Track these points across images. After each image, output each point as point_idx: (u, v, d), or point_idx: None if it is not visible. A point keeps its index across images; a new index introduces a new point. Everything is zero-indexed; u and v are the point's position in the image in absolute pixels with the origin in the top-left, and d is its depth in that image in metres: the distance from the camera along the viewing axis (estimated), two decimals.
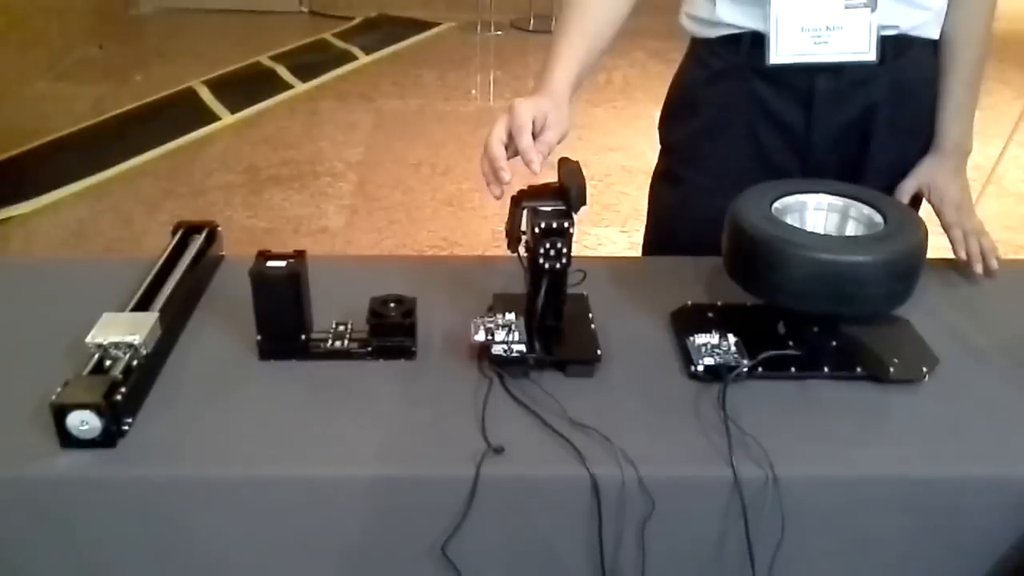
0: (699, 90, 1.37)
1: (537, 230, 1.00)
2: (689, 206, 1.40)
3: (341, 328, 1.08)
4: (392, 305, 1.06)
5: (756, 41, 1.27)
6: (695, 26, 1.35)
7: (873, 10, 1.21)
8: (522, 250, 1.06)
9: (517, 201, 1.04)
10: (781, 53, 1.24)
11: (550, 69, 1.19)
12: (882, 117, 1.30)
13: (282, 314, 1.03)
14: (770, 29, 1.24)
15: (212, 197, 3.56)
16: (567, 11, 1.25)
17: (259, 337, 1.04)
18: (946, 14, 1.29)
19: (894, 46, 1.26)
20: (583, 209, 1.02)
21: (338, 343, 1.05)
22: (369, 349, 1.05)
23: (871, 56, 1.24)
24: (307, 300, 1.05)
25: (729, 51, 1.31)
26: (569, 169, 1.05)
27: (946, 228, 1.32)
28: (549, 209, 1.02)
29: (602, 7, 1.26)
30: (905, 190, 1.34)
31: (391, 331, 1.05)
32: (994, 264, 1.27)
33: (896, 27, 1.25)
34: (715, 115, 1.36)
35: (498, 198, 1.05)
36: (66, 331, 1.04)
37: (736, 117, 1.34)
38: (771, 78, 1.28)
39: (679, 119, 1.42)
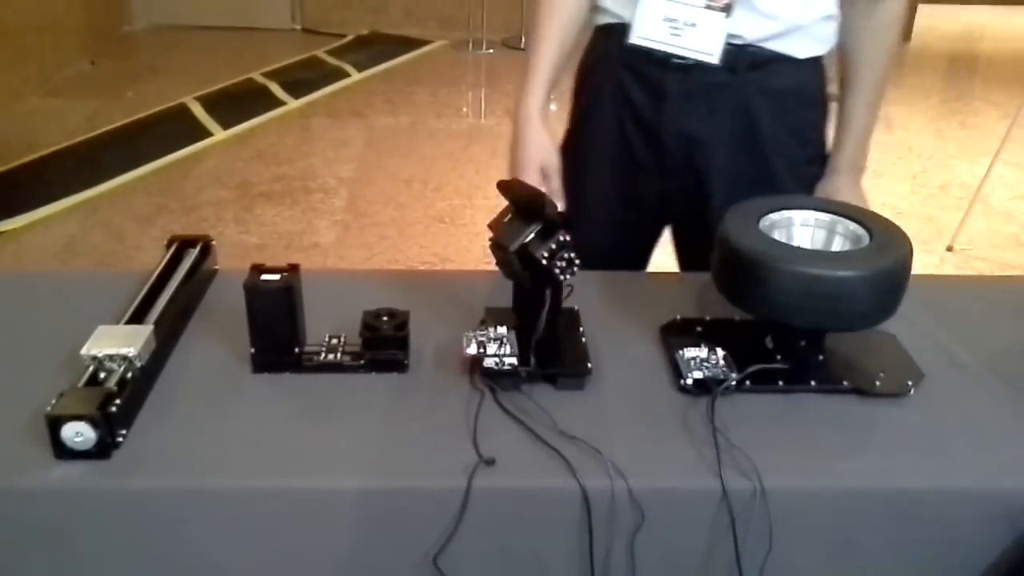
0: (581, 76, 1.45)
1: (553, 246, 1.01)
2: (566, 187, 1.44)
3: (334, 341, 1.08)
4: (385, 318, 1.07)
5: (628, 32, 1.33)
6: (591, 14, 1.41)
7: (728, 16, 1.27)
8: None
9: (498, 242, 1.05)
10: (639, 35, 1.31)
11: (530, 95, 1.32)
12: (731, 129, 1.34)
13: (276, 327, 1.04)
14: (635, 13, 1.31)
15: (204, 212, 3.56)
16: (537, 21, 1.35)
17: (252, 350, 1.05)
18: (849, 35, 1.34)
19: (748, 59, 1.30)
20: None
21: (331, 356, 1.06)
22: (362, 362, 1.06)
23: (715, 59, 1.28)
24: (300, 313, 1.06)
25: (606, 40, 1.37)
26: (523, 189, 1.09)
27: None
28: (542, 225, 1.03)
29: (568, 9, 1.35)
30: None
31: (384, 344, 1.06)
32: None
33: (741, 37, 1.29)
34: (590, 102, 1.43)
35: None
36: (61, 343, 1.05)
37: (606, 106, 1.40)
38: (631, 68, 1.35)
39: (572, 103, 1.51)
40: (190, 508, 0.90)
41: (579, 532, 0.91)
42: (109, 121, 4.45)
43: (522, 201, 1.06)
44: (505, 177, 1.19)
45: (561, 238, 1.01)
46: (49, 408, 0.89)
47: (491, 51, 6.07)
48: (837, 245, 1.07)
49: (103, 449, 0.90)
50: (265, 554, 0.92)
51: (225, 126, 4.38)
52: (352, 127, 4.56)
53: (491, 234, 1.06)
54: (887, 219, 1.06)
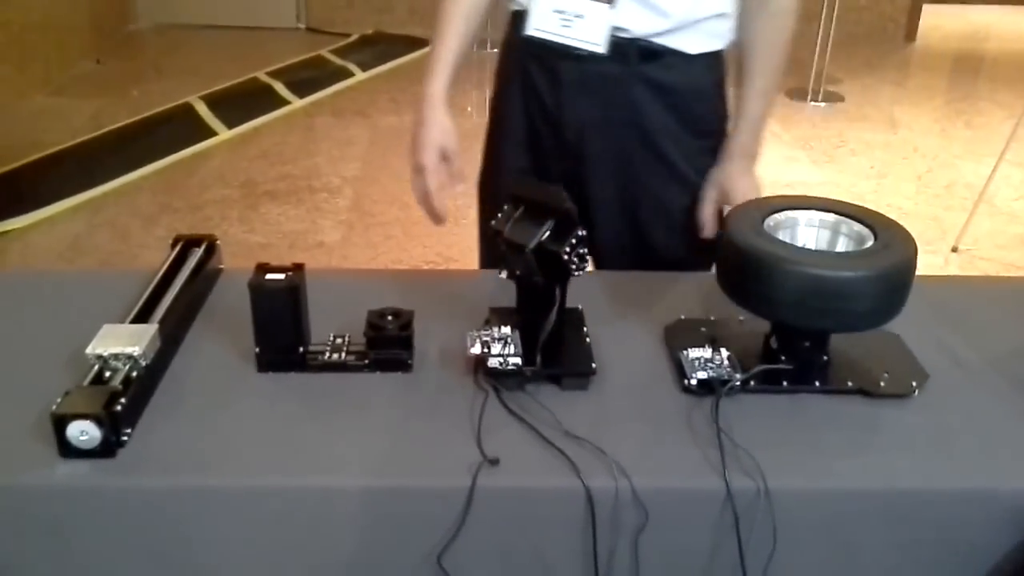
0: (499, 60, 1.51)
1: (574, 241, 1.01)
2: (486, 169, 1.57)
3: (339, 341, 1.09)
4: (389, 318, 1.07)
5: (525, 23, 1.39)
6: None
7: (612, 7, 1.31)
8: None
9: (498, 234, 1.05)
10: (534, 27, 1.37)
11: (433, 80, 1.38)
12: (623, 118, 1.38)
13: (280, 326, 1.04)
14: (530, 5, 1.37)
15: (209, 212, 3.57)
16: (443, 6, 1.39)
17: (257, 349, 1.05)
18: (744, 24, 1.37)
19: (639, 52, 1.33)
20: None
21: (336, 355, 1.06)
22: (366, 362, 1.06)
23: (601, 49, 1.32)
24: (305, 313, 1.06)
25: (514, 26, 1.42)
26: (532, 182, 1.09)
27: None
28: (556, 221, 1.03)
29: (469, 8, 1.40)
30: (707, 198, 1.40)
31: (388, 344, 1.06)
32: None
33: (629, 31, 1.32)
34: (503, 86, 1.49)
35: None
36: (66, 342, 1.05)
37: (515, 91, 1.46)
38: (534, 55, 1.40)
39: (493, 85, 1.56)
40: (195, 507, 0.90)
41: (583, 532, 0.91)
42: (114, 120, 4.45)
43: (535, 199, 1.05)
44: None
45: (580, 233, 1.01)
46: (54, 407, 0.90)
47: (495, 51, 6.06)
48: (842, 245, 1.07)
49: (108, 448, 0.90)
50: (269, 552, 0.92)
51: (230, 125, 4.39)
52: (356, 126, 4.56)
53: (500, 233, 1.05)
54: (891, 219, 1.06)
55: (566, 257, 1.00)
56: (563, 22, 1.34)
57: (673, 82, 1.36)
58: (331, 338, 1.09)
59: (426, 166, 1.34)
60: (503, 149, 1.51)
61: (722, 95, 1.44)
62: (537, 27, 1.37)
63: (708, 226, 1.40)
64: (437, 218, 1.37)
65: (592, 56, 1.33)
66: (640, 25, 1.31)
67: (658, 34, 1.32)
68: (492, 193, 1.55)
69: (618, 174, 1.41)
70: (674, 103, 1.37)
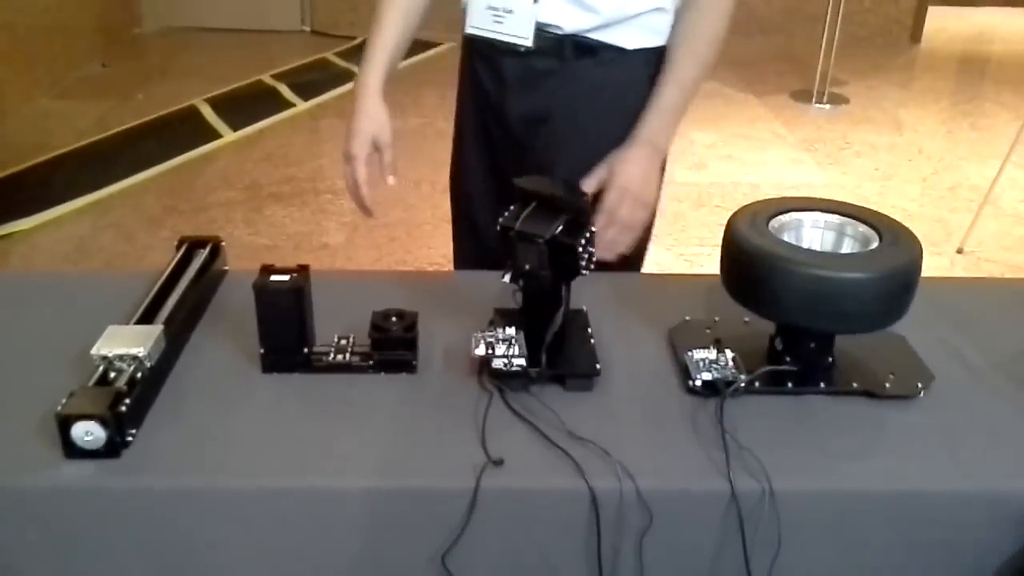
0: (460, 60, 1.52)
1: (588, 234, 1.02)
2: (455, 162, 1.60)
3: (343, 342, 1.09)
4: (394, 319, 1.07)
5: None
6: None
7: (536, 2, 1.32)
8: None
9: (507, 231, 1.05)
10: (471, 24, 1.40)
11: (368, 70, 1.39)
12: (565, 112, 1.39)
13: (285, 327, 1.04)
14: (469, 4, 1.40)
15: (213, 214, 3.57)
16: (379, 13, 1.42)
17: (262, 350, 1.05)
18: (677, 18, 1.36)
19: (574, 47, 1.35)
20: None
21: (340, 356, 1.06)
22: (371, 363, 1.06)
23: (528, 42, 1.34)
24: (310, 314, 1.06)
25: (465, 24, 1.42)
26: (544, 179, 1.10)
27: (601, 211, 1.29)
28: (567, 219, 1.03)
29: (407, 4, 1.42)
30: (593, 175, 1.32)
31: (393, 345, 1.06)
32: (609, 256, 1.29)
33: (560, 27, 1.33)
34: (460, 81, 1.53)
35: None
36: (71, 343, 1.06)
37: (467, 87, 1.50)
38: (479, 52, 1.43)
39: None
40: (200, 508, 0.90)
41: (587, 533, 0.91)
42: (119, 123, 4.46)
43: (545, 195, 1.05)
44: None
45: (592, 229, 1.02)
46: (59, 408, 0.90)
47: None
48: (847, 247, 1.07)
49: (113, 448, 0.91)
50: (273, 554, 0.92)
51: (235, 128, 4.40)
52: None
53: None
54: (897, 221, 1.06)
55: (580, 250, 1.00)
56: (495, 18, 1.36)
57: (610, 78, 1.36)
58: (335, 339, 1.09)
59: (356, 155, 1.36)
60: (464, 147, 1.54)
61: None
62: (473, 24, 1.39)
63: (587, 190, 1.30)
64: (366, 210, 1.39)
65: (530, 51, 1.35)
66: (569, 21, 1.32)
67: (591, 30, 1.33)
68: (460, 192, 1.58)
69: (559, 169, 1.38)
70: (611, 98, 1.37)
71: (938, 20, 6.71)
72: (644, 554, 0.91)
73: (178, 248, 1.25)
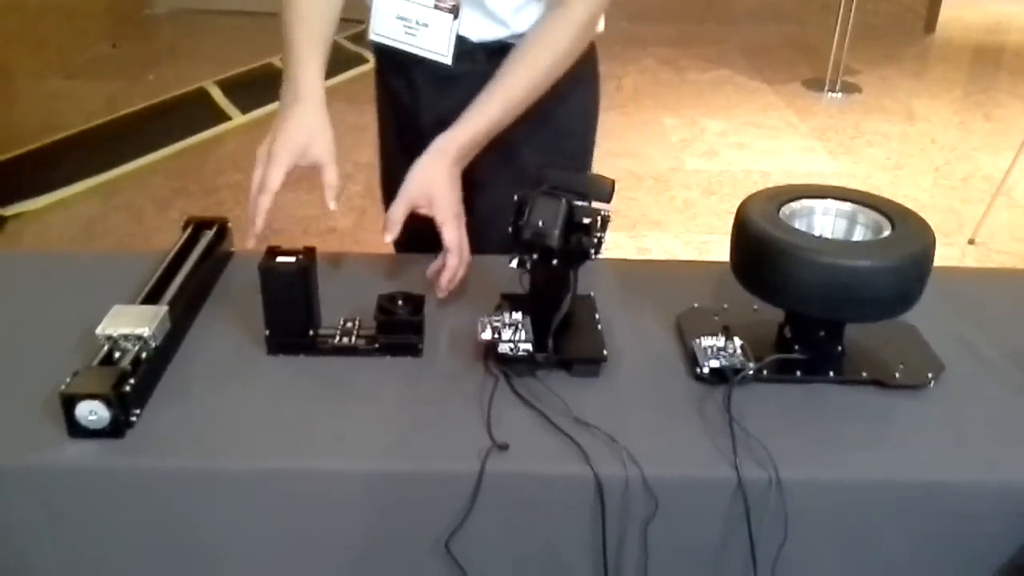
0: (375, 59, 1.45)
1: (604, 213, 1.00)
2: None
3: (349, 324, 1.08)
4: (400, 302, 1.07)
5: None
6: None
7: (456, 17, 1.26)
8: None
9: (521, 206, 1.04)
10: (376, 32, 1.31)
11: (302, 70, 1.24)
12: None
13: (291, 309, 1.04)
14: (372, 9, 1.31)
15: (222, 196, 3.57)
16: (296, 3, 1.29)
17: (267, 332, 1.05)
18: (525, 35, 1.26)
19: (485, 52, 1.29)
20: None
21: (346, 339, 1.06)
22: (376, 346, 1.05)
23: (447, 59, 1.28)
24: (315, 296, 1.06)
25: (370, 28, 1.34)
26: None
27: (449, 250, 1.14)
28: (584, 203, 1.01)
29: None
30: (407, 197, 1.16)
31: (399, 328, 1.05)
32: (442, 288, 1.14)
33: (470, 41, 1.28)
34: (375, 83, 1.45)
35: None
36: (77, 323, 1.05)
37: (381, 91, 1.45)
38: (387, 55, 1.34)
39: None
40: (203, 488, 0.90)
41: (592, 520, 0.90)
42: (129, 104, 4.46)
43: (564, 184, 1.04)
44: None
45: (606, 211, 1.01)
46: (64, 386, 0.89)
47: None
48: (858, 234, 1.06)
49: (117, 428, 0.90)
50: (276, 535, 0.92)
51: (244, 110, 4.39)
52: (370, 113, 4.51)
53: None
54: (909, 209, 1.05)
55: (597, 235, 1.00)
56: (407, 29, 1.29)
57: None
58: (341, 322, 1.08)
59: (259, 158, 1.16)
60: (387, 149, 1.49)
61: (579, 95, 1.38)
62: (379, 32, 1.31)
63: (394, 229, 1.14)
64: (252, 225, 1.14)
65: (431, 61, 1.29)
66: (482, 33, 1.28)
67: (501, 41, 1.28)
68: (388, 193, 1.44)
69: (476, 174, 1.26)
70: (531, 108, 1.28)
71: (953, 9, 6.65)
72: (649, 542, 0.91)
73: (185, 228, 1.24)
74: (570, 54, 1.24)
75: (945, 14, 6.51)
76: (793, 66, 5.48)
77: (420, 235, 1.18)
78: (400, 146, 1.44)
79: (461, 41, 1.28)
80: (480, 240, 1.21)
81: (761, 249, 0.99)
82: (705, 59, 5.57)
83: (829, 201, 1.08)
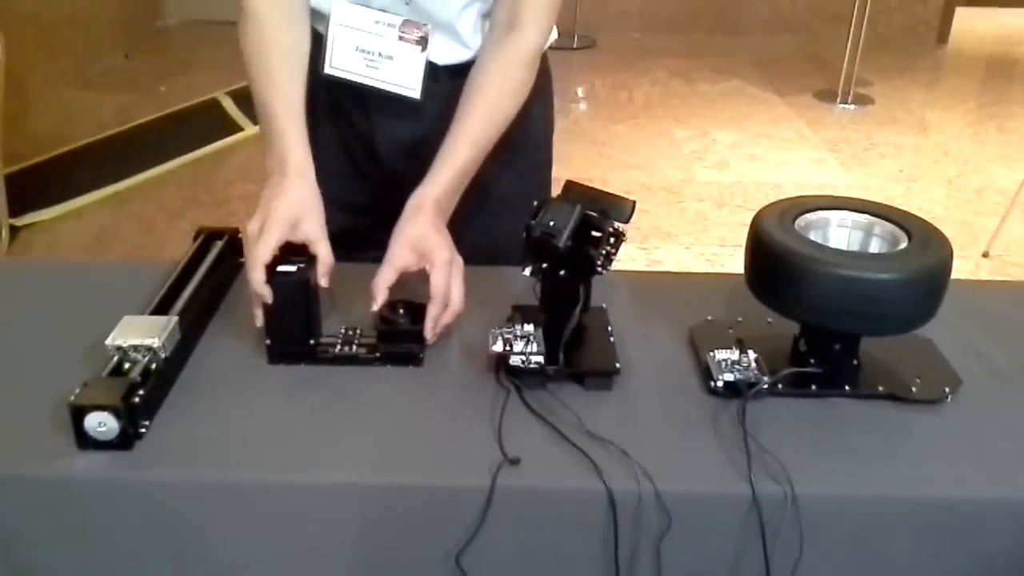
0: (309, 82, 1.26)
1: (617, 226, 1.00)
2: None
3: (350, 333, 1.07)
4: (401, 311, 1.06)
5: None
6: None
7: (424, 49, 1.21)
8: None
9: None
10: (335, 66, 1.23)
11: (288, 143, 1.15)
12: (438, 135, 1.20)
13: (291, 318, 1.03)
14: (327, 40, 1.22)
15: (233, 207, 3.58)
16: (265, 64, 1.20)
17: (268, 341, 1.04)
18: (479, 62, 1.22)
19: (448, 75, 1.25)
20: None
21: (347, 348, 1.05)
22: (377, 355, 1.05)
23: (416, 94, 1.23)
24: (316, 305, 1.06)
25: (318, 52, 1.26)
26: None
27: (434, 297, 1.07)
28: (599, 215, 1.01)
29: (290, 47, 1.21)
30: (394, 259, 1.08)
31: (400, 337, 1.04)
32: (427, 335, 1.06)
33: (436, 62, 1.25)
34: (311, 112, 1.24)
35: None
36: (86, 333, 1.05)
37: (323, 121, 1.31)
38: (340, 89, 1.26)
39: None
40: (212, 500, 0.89)
41: (604, 535, 0.89)
42: (141, 114, 4.48)
43: (584, 196, 1.03)
44: None
45: (620, 227, 0.99)
46: (73, 398, 0.89)
47: None
48: (875, 247, 1.05)
49: (126, 440, 0.90)
50: (284, 548, 0.91)
51: (255, 121, 4.38)
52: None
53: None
54: (926, 221, 1.04)
55: (607, 248, 0.99)
56: (368, 62, 1.22)
57: None
58: (342, 331, 1.08)
59: (252, 231, 1.08)
60: (326, 188, 1.18)
61: (544, 105, 1.36)
62: (337, 66, 1.23)
63: (380, 295, 1.06)
64: (260, 304, 1.04)
65: (396, 96, 1.23)
66: (449, 57, 1.25)
67: (465, 62, 1.25)
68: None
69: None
70: None
71: (965, 21, 6.63)
72: (662, 558, 0.90)
73: (195, 239, 1.24)
74: (529, 81, 1.23)
75: (958, 25, 6.49)
76: (805, 77, 5.47)
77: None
78: (346, 179, 1.35)
79: (428, 68, 1.23)
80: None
81: (776, 261, 0.98)
82: (716, 70, 5.56)
83: (845, 213, 1.07)
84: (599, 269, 1.01)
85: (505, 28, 1.21)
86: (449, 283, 1.07)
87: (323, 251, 1.08)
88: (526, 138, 1.34)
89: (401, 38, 1.21)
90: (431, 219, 1.11)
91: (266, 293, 1.03)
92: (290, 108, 1.18)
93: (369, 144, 1.32)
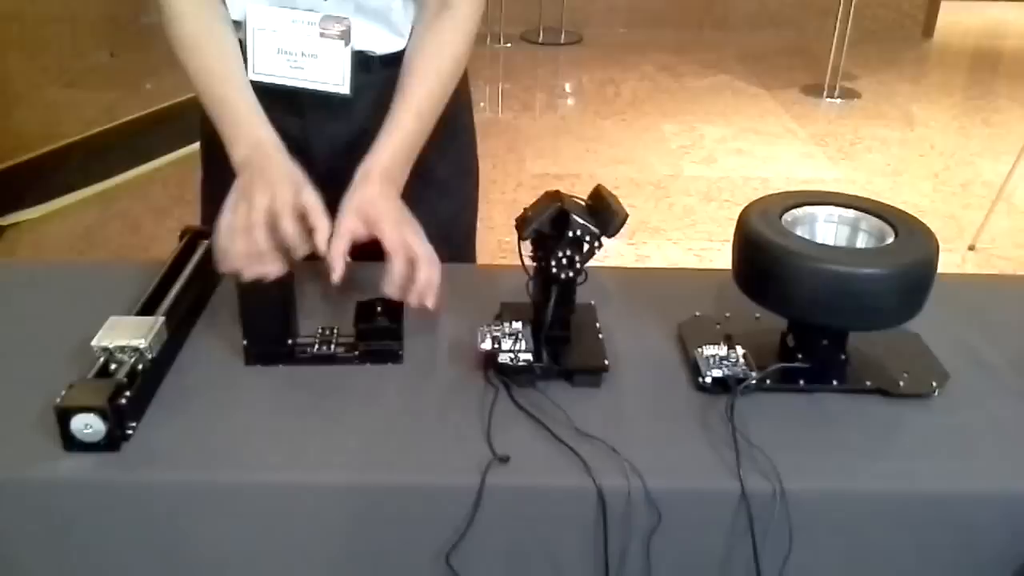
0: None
1: (571, 236, 1.00)
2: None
3: (327, 332, 1.07)
4: (379, 309, 1.05)
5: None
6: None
7: (347, 43, 1.18)
8: (527, 258, 1.06)
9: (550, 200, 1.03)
10: (259, 71, 1.21)
11: (254, 127, 1.14)
12: (375, 128, 1.18)
13: (267, 318, 1.03)
14: (248, 46, 1.20)
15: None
16: (207, 60, 1.20)
17: (244, 342, 1.03)
18: (415, 36, 1.22)
19: (380, 65, 1.24)
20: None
21: (324, 347, 1.05)
22: (356, 353, 1.04)
23: (345, 89, 1.21)
24: (293, 305, 1.05)
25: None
26: (609, 195, 1.05)
27: (390, 252, 1.05)
28: (581, 221, 1.00)
29: (228, 41, 1.21)
30: (342, 230, 1.05)
31: (378, 335, 1.04)
32: (430, 302, 1.05)
33: (373, 51, 1.23)
34: (204, 122, 1.27)
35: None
36: (72, 334, 1.04)
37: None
38: (269, 93, 1.21)
39: (203, 127, 1.36)
40: (200, 502, 0.89)
41: (594, 532, 0.89)
42: (127, 113, 4.45)
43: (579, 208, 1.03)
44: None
45: (591, 243, 0.99)
46: (58, 399, 0.88)
47: (509, 45, 6.05)
48: (861, 242, 1.05)
49: (112, 441, 0.89)
50: (273, 549, 0.91)
51: None
52: None
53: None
54: (912, 216, 1.04)
55: (570, 252, 0.99)
56: (292, 64, 1.19)
57: None
58: (319, 330, 1.07)
59: (259, 210, 1.03)
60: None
61: (462, 80, 1.32)
62: (260, 71, 1.20)
63: (338, 264, 1.03)
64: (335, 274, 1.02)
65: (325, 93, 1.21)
66: (380, 46, 1.23)
67: (399, 50, 1.24)
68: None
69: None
70: None
71: (951, 15, 6.66)
72: (652, 554, 0.90)
73: (181, 238, 1.23)
74: (466, 55, 1.23)
75: (943, 19, 6.52)
76: (792, 72, 5.49)
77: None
78: None
79: (358, 58, 1.21)
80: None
81: (764, 257, 0.98)
82: (704, 65, 5.57)
83: (832, 208, 1.07)
84: (553, 270, 1.00)
85: (438, 7, 1.20)
86: (404, 236, 1.05)
87: (323, 220, 1.05)
88: (454, 121, 1.32)
89: (322, 34, 1.19)
90: (378, 187, 1.10)
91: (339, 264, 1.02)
92: (248, 95, 1.17)
93: (303, 146, 1.25)
